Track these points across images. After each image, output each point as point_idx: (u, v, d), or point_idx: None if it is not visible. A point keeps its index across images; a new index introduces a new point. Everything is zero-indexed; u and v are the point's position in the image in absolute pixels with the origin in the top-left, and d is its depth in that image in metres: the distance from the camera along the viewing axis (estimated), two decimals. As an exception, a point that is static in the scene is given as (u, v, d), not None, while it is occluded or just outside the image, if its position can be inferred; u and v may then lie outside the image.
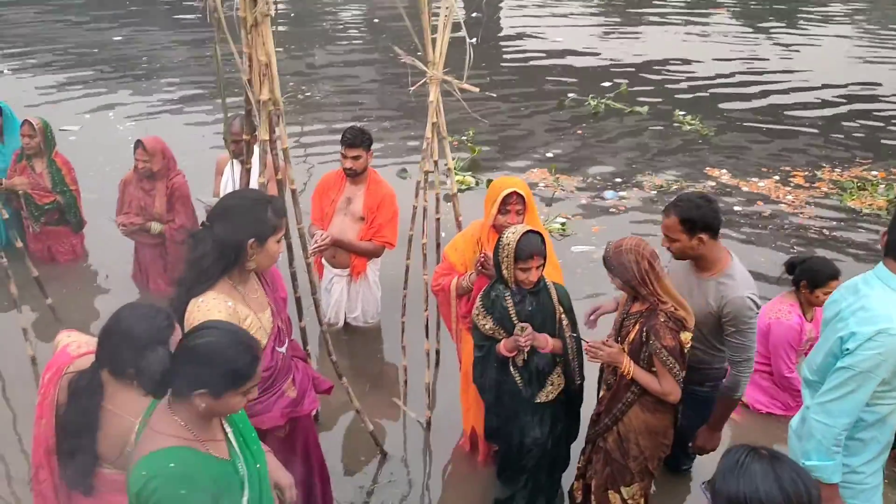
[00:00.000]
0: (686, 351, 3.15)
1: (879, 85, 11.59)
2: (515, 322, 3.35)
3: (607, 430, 3.37)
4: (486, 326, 3.43)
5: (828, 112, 10.46)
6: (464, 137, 8.88)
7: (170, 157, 5.42)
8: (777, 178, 8.23)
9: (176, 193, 5.41)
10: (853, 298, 2.72)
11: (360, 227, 4.82)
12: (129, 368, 2.45)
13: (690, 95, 11.19)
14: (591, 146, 9.25)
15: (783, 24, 16.01)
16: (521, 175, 8.21)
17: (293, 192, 3.64)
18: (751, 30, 15.64)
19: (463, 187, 4.38)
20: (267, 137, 3.41)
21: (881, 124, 10.03)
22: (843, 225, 7.19)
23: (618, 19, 16.68)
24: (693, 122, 9.80)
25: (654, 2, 18.06)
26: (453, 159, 4.39)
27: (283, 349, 3.07)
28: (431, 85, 4.05)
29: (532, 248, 3.25)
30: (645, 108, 10.30)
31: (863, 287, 2.72)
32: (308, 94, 11.32)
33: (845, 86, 11.55)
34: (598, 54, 13.42)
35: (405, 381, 4.73)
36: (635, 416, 3.28)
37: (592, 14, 17.11)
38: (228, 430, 2.31)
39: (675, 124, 9.83)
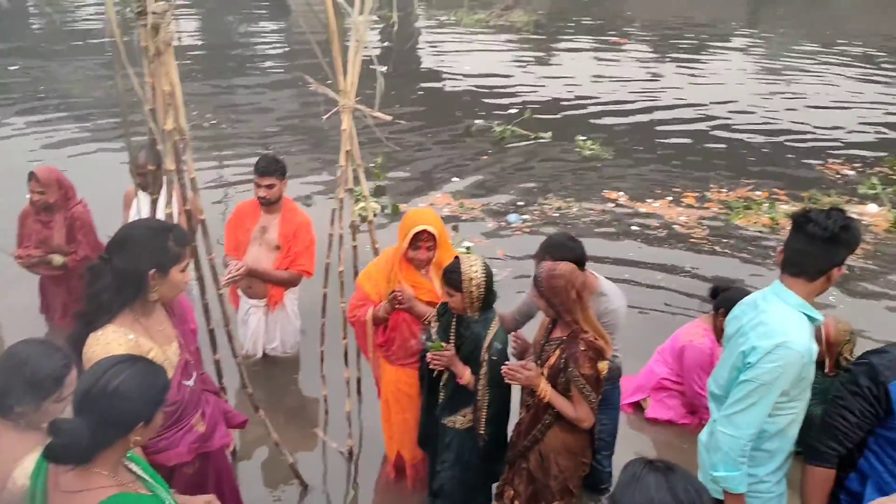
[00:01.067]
0: (602, 378, 3.12)
1: (756, 110, 12.07)
2: (451, 337, 3.36)
3: (528, 450, 3.28)
4: (433, 330, 3.45)
5: (717, 136, 10.82)
6: (371, 165, 8.74)
7: (67, 186, 4.99)
8: (670, 198, 8.40)
9: (77, 223, 4.97)
10: (753, 314, 2.73)
11: (275, 256, 4.60)
12: (17, 407, 2.28)
13: (592, 121, 11.37)
14: (496, 171, 9.25)
15: (683, 55, 16.49)
16: (425, 200, 8.12)
17: (202, 222, 3.43)
18: (653, 60, 16.10)
19: (364, 219, 4.31)
20: (173, 168, 3.18)
21: (767, 147, 10.42)
22: (731, 243, 7.38)
23: (529, 49, 16.85)
24: (593, 146, 9.95)
25: (563, 33, 18.37)
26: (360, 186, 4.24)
27: (190, 382, 2.89)
28: (344, 114, 3.92)
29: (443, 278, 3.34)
30: (549, 134, 10.40)
31: (761, 303, 2.74)
32: (214, 121, 10.92)
33: (734, 112, 11.97)
34: (506, 83, 13.50)
35: (326, 411, 4.52)
36: (554, 437, 3.21)
37: (504, 44, 17.21)
38: (135, 468, 2.16)
39: (576, 149, 9.95)
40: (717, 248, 7.24)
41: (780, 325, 2.60)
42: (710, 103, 12.32)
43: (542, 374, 3.14)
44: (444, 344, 3.33)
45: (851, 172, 9.28)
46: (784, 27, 20.55)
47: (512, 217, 7.82)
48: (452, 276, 3.26)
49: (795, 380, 2.61)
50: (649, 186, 8.76)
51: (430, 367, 3.36)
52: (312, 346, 4.55)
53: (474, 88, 13.15)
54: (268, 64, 15.27)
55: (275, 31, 18.50)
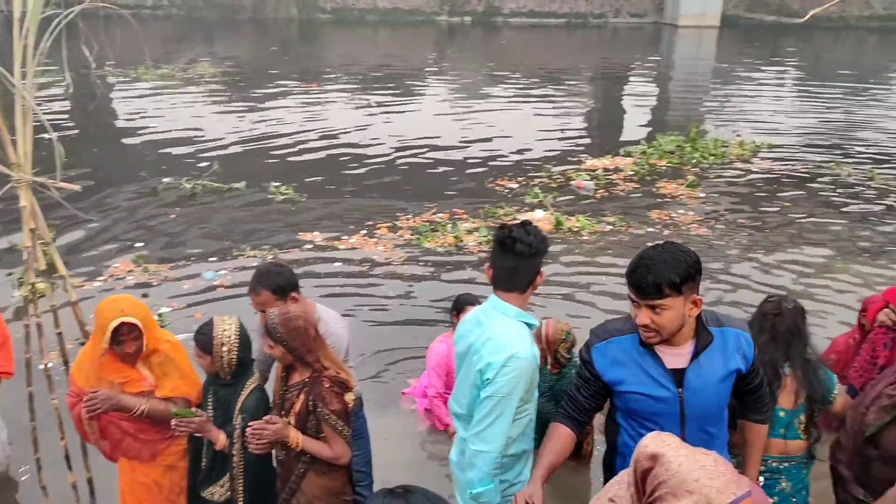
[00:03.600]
0: (351, 410, 3.08)
1: (436, 139, 12.89)
2: (208, 401, 3.21)
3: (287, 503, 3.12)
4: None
5: (401, 166, 11.37)
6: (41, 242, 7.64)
7: None
8: (364, 232, 8.62)
9: None
10: (479, 331, 2.79)
11: (-43, 365, 3.76)
12: None
13: (286, 166, 11.28)
14: (188, 229, 8.70)
15: (375, 95, 16.87)
16: (104, 272, 7.37)
17: None
18: (345, 102, 16.35)
19: (40, 296, 3.62)
20: None
21: (446, 172, 11.17)
22: (426, 264, 7.82)
23: (219, 101, 16.05)
24: (287, 190, 9.87)
25: (255, 82, 17.87)
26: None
27: None
28: (21, 189, 3.39)
29: None
30: (242, 184, 10.09)
31: (484, 319, 2.81)
32: None
33: (415, 141, 12.66)
34: (197, 136, 12.78)
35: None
36: (312, 484, 3.08)
37: (194, 97, 16.14)
38: None
39: (270, 195, 9.79)
40: (415, 271, 7.63)
41: (507, 337, 2.70)
42: (396, 136, 12.94)
43: (290, 423, 3.01)
44: (194, 410, 3.08)
45: (516, 185, 10.37)
46: (468, 64, 22.40)
47: (208, 274, 7.41)
48: (203, 338, 3.10)
49: (528, 385, 2.74)
50: (343, 223, 8.91)
51: (176, 434, 3.11)
52: (24, 456, 3.83)
53: (163, 144, 12.28)
54: None
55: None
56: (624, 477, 1.97)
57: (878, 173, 11.10)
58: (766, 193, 10.28)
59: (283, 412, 3.08)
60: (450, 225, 8.75)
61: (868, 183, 10.74)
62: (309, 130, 13.39)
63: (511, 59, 23.63)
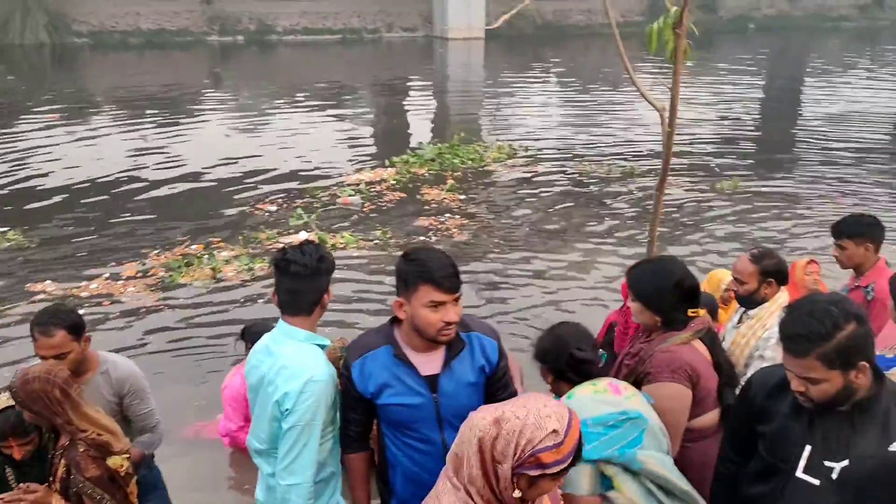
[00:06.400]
0: (123, 474, 2.78)
1: (200, 166, 11.94)
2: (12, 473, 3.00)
3: None
4: None
5: (151, 200, 10.39)
6: None
7: None
8: (108, 276, 7.70)
9: None
10: (271, 360, 2.67)
11: None
12: None
13: (12, 208, 9.88)
14: None
15: (142, 120, 15.47)
16: None
17: None
18: (98, 130, 14.76)
19: None
20: None
21: (202, 199, 10.41)
22: (182, 299, 7.18)
23: None
24: (13, 236, 8.61)
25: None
26: None
27: None
28: None
29: None
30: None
31: (274, 347, 2.69)
32: None
33: (167, 170, 11.69)
34: None
35: None
36: None
37: None
38: None
39: (-7, 244, 8.49)
40: (173, 311, 6.96)
41: (300, 363, 2.60)
42: (146, 167, 11.86)
43: (56, 490, 2.72)
44: (29, 485, 2.76)
45: (275, 208, 9.82)
46: (242, 84, 21.41)
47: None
48: (20, 428, 2.84)
49: (330, 407, 2.65)
50: (82, 268, 7.93)
51: None
52: None
53: None
54: None
55: None
56: (445, 485, 1.87)
57: (619, 167, 11.94)
58: (520, 193, 10.65)
59: (51, 477, 2.80)
60: (206, 256, 8.08)
61: (606, 176, 11.47)
62: (45, 167, 11.86)
63: (287, 76, 23.10)
